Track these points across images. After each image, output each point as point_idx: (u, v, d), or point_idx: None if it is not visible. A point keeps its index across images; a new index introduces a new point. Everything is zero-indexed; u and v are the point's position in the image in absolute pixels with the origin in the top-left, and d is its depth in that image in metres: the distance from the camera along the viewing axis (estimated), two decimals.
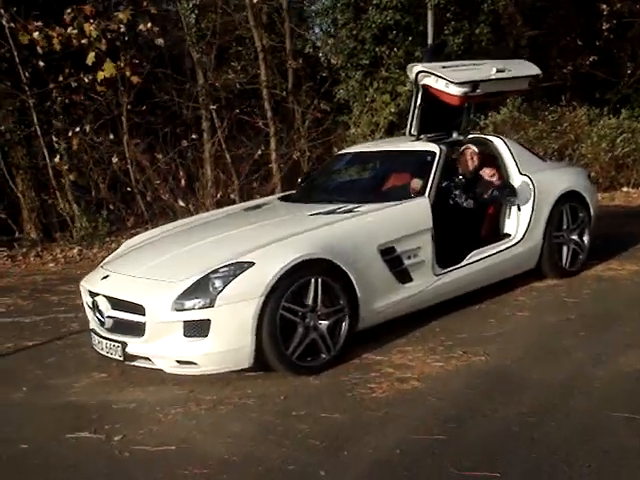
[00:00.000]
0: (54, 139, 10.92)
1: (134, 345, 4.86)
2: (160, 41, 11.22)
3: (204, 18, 11.62)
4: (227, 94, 12.83)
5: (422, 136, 6.53)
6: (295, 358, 4.84)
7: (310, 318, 4.92)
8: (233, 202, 10.63)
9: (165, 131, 11.16)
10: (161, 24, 11.67)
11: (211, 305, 4.64)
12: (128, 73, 10.39)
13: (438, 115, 6.47)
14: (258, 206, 6.57)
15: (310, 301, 4.90)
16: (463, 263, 5.91)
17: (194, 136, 11.13)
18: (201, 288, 4.72)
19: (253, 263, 4.78)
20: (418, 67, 6.14)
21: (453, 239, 6.03)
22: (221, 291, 4.66)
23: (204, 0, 11.93)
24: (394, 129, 11.08)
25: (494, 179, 6.44)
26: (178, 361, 4.78)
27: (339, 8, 10.98)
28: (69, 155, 11.31)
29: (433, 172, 5.92)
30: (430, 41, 9.86)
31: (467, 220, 6.30)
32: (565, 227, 6.71)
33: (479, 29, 11.59)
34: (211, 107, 11.39)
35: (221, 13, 12.87)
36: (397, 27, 10.81)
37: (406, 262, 5.46)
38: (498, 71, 6.07)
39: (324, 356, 4.98)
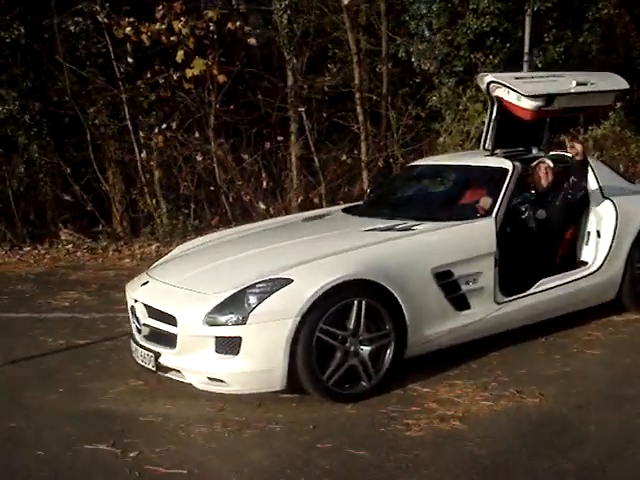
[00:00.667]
0: (141, 134, 10.97)
1: (167, 356, 4.68)
2: (252, 41, 11.12)
3: (298, 19, 11.40)
4: (321, 96, 12.63)
5: (497, 151, 6.07)
6: (331, 384, 4.53)
7: (351, 342, 4.60)
8: (318, 206, 10.42)
9: (251, 132, 11.02)
10: (253, 23, 11.59)
11: (243, 322, 4.40)
12: (215, 72, 10.31)
13: (517, 129, 5.98)
14: (319, 216, 6.28)
15: (352, 324, 4.57)
16: (530, 291, 5.42)
17: (280, 138, 10.94)
18: (235, 303, 4.48)
19: (291, 280, 4.50)
20: (489, 77, 5.68)
21: (523, 264, 5.57)
22: (254, 308, 4.41)
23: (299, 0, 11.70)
24: None
25: (578, 147, 5.66)
26: (209, 377, 4.54)
27: (435, 12, 10.54)
28: (157, 151, 11.38)
29: (504, 191, 5.47)
30: (527, 49, 9.28)
31: (540, 244, 5.80)
32: None
33: (582, 37, 10.87)
34: (300, 109, 11.15)
35: (318, 14, 12.68)
36: (494, 33, 10.27)
37: (464, 288, 5.04)
38: (579, 84, 5.51)
39: (364, 384, 4.65)
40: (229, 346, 4.44)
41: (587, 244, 5.89)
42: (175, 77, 10.48)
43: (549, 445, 3.94)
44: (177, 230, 10.65)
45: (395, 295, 4.68)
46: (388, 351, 4.71)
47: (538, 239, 5.79)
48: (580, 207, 5.94)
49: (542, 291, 5.47)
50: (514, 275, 5.41)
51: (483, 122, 10.32)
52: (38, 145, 11.48)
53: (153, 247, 10.32)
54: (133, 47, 10.61)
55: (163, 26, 10.15)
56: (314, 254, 4.75)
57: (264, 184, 10.53)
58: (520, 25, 9.97)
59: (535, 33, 10.45)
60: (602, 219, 5.87)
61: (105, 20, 10.44)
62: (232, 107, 10.99)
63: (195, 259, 5.38)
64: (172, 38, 10.25)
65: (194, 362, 4.55)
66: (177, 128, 10.92)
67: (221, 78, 10.34)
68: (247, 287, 4.51)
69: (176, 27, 10.06)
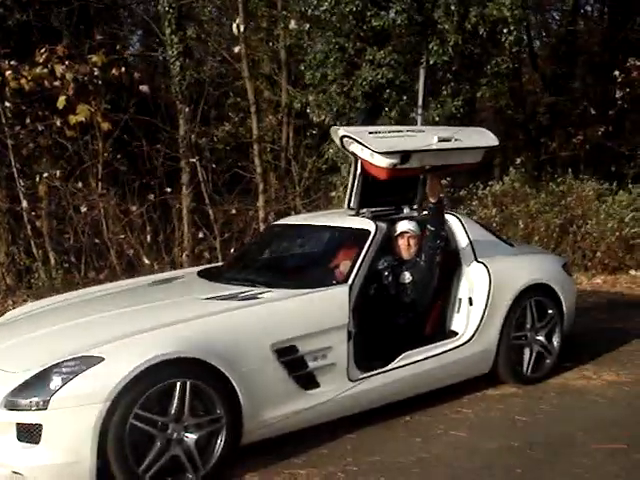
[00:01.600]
0: (21, 183, 10.29)
1: None
2: (144, 88, 10.62)
3: (193, 66, 10.96)
4: (223, 146, 12.19)
5: (364, 211, 5.59)
6: (149, 477, 3.95)
7: (173, 429, 4.04)
8: (210, 261, 9.88)
9: (141, 182, 10.44)
10: (146, 70, 11.12)
11: (44, 407, 3.79)
12: (99, 119, 9.74)
13: (386, 187, 5.50)
14: (168, 280, 5.70)
15: (174, 409, 4.01)
16: (391, 366, 4.91)
17: (168, 189, 10.38)
18: (38, 384, 3.88)
19: (102, 359, 3.92)
20: (341, 131, 5.21)
21: (384, 336, 5.09)
22: (57, 390, 3.81)
23: (197, 47, 11.30)
24: None
25: (435, 187, 5.24)
26: (14, 471, 3.90)
27: (330, 63, 10.20)
28: (46, 201, 10.70)
29: (362, 255, 4.98)
30: (420, 102, 8.98)
31: (405, 313, 5.31)
32: (529, 326, 5.66)
33: (481, 91, 10.65)
34: (191, 160, 10.64)
35: (220, 61, 12.34)
36: (390, 85, 9.97)
37: (311, 364, 4.52)
38: (441, 140, 5.08)
39: (190, 476, 4.07)
40: (30, 434, 3.84)
41: (458, 312, 5.43)
42: (58, 123, 9.83)
43: None
44: (56, 285, 9.91)
45: (227, 375, 4.14)
46: (220, 438, 4.16)
47: (403, 307, 5.31)
48: (448, 267, 5.49)
49: (405, 365, 4.96)
50: (373, 348, 4.94)
51: None
52: None
53: (28, 302, 9.55)
54: (14, 91, 9.93)
55: (45, 70, 9.54)
56: (135, 328, 4.17)
57: (148, 238, 9.92)
58: (417, 78, 9.68)
59: (433, 86, 10.21)
60: (474, 285, 5.43)
61: None
62: (119, 156, 10.41)
63: (12, 329, 4.76)
64: (56, 83, 9.64)
65: None
66: (62, 177, 10.25)
67: (105, 126, 9.77)
68: (53, 366, 3.92)
69: (58, 71, 9.47)
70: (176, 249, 10.21)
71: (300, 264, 5.65)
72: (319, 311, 4.63)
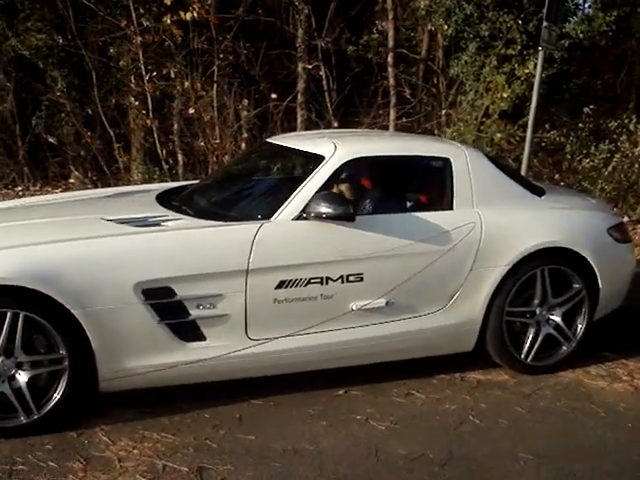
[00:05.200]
0: (132, 81, 10.14)
1: None
2: None
3: None
4: (372, 54, 11.22)
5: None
6: None
7: (2, 364, 3.54)
8: None
9: (256, 88, 9.93)
10: None
11: None
12: (204, 14, 9.24)
13: None
14: (131, 193, 5.12)
15: (0, 342, 3.50)
16: (314, 329, 4.01)
17: (274, 95, 9.72)
18: None
19: None
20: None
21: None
22: None
23: None
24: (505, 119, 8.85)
25: None
26: None
27: None
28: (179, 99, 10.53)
29: (300, 188, 4.05)
30: (546, 10, 7.27)
31: None
32: (537, 301, 4.45)
33: None
34: (307, 66, 9.88)
35: None
36: None
37: (194, 313, 3.77)
38: None
39: (23, 419, 3.58)
40: None
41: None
42: (169, 21, 9.47)
43: None
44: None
45: (72, 312, 3.54)
46: (62, 381, 3.62)
47: None
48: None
49: (339, 329, 4.05)
50: None
51: (503, 98, 8.74)
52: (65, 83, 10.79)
53: None
54: None
55: None
56: None
57: (243, 145, 9.41)
58: None
59: None
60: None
61: None
62: (231, 58, 9.87)
63: None
64: None
65: None
66: (174, 76, 9.95)
67: (212, 19, 9.26)
68: None
69: None
70: None
71: (246, 192, 4.74)
72: (215, 250, 3.82)
